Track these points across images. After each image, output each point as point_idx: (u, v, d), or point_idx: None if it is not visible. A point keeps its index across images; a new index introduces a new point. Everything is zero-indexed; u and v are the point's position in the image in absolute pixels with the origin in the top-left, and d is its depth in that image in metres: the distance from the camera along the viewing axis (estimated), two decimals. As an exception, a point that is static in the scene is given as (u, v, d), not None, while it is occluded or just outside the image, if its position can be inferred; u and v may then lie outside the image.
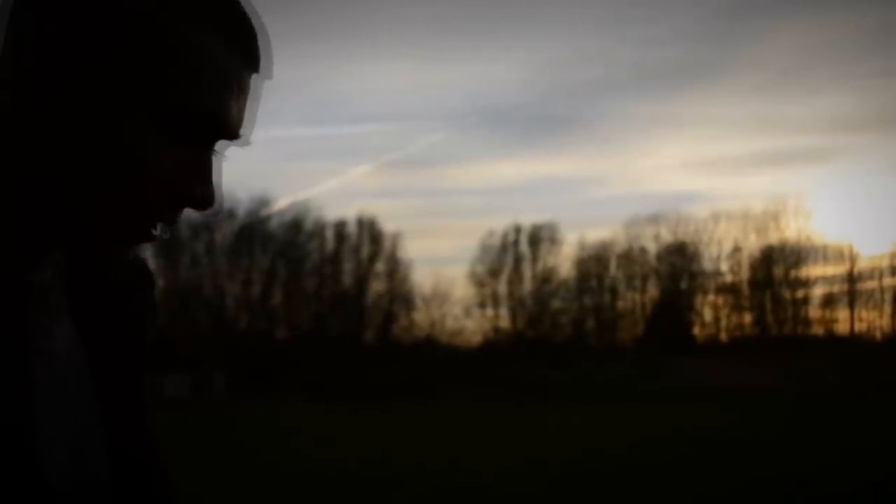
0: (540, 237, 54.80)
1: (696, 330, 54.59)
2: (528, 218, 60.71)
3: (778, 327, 52.14)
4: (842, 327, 52.05)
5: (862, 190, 76.33)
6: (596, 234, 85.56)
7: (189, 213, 0.89)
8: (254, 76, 0.88)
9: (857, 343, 49.20)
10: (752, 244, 53.92)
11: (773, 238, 53.77)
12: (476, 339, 52.73)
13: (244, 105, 0.87)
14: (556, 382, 34.95)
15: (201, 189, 0.85)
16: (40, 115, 0.82)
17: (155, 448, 1.00)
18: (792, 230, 54.19)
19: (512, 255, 54.84)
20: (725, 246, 54.21)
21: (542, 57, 70.31)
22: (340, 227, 51.54)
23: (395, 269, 51.55)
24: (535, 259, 54.91)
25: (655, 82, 71.12)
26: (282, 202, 72.08)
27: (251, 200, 49.52)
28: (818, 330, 52.48)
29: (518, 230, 54.84)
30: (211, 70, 0.83)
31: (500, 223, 70.87)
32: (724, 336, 53.74)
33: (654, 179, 72.94)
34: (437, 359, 41.39)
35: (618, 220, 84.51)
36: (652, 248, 55.14)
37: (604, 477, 12.04)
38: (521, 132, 72.99)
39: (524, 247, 54.90)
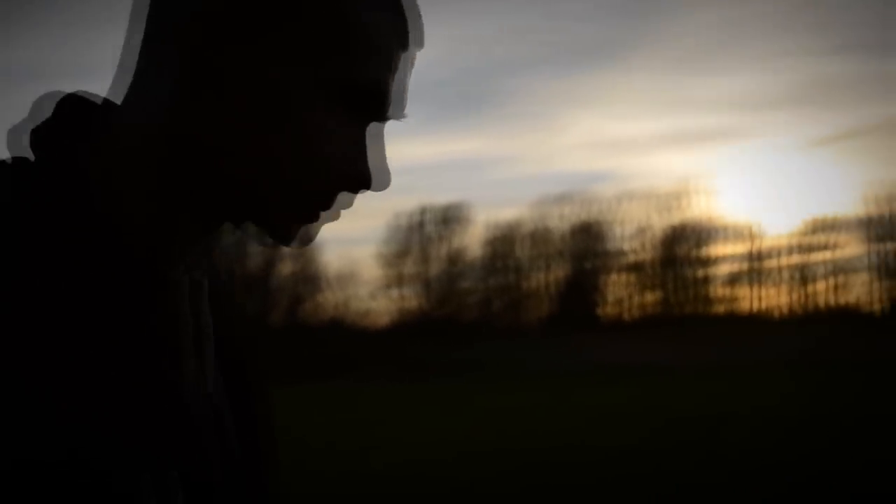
0: (449, 218, 54.84)
1: (603, 309, 55.24)
2: (438, 198, 60.76)
3: (682, 306, 52.99)
4: (745, 305, 53.13)
5: (770, 169, 77.93)
6: (506, 214, 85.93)
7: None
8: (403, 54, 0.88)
9: (758, 321, 50.26)
10: (659, 223, 54.72)
11: (679, 217, 54.61)
12: (384, 320, 52.76)
13: (394, 83, 0.87)
14: (461, 361, 35.09)
15: (363, 167, 0.85)
16: (208, 94, 0.81)
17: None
18: (698, 209, 55.19)
19: (420, 236, 54.90)
20: (632, 226, 54.93)
21: (452, 35, 70.27)
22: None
23: (303, 251, 51.10)
24: (443, 240, 55.01)
25: (565, 60, 71.67)
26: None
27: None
28: (721, 308, 53.51)
29: (426, 211, 54.86)
30: (377, 47, 0.83)
31: (409, 204, 70.92)
32: (630, 315, 54.46)
33: (565, 159, 73.74)
34: (344, 340, 41.24)
35: (528, 199, 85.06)
36: (560, 227, 55.61)
37: (503, 455, 12.14)
38: (430, 111, 72.90)
39: (433, 227, 54.98)
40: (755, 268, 53.52)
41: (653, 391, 22.12)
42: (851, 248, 60.74)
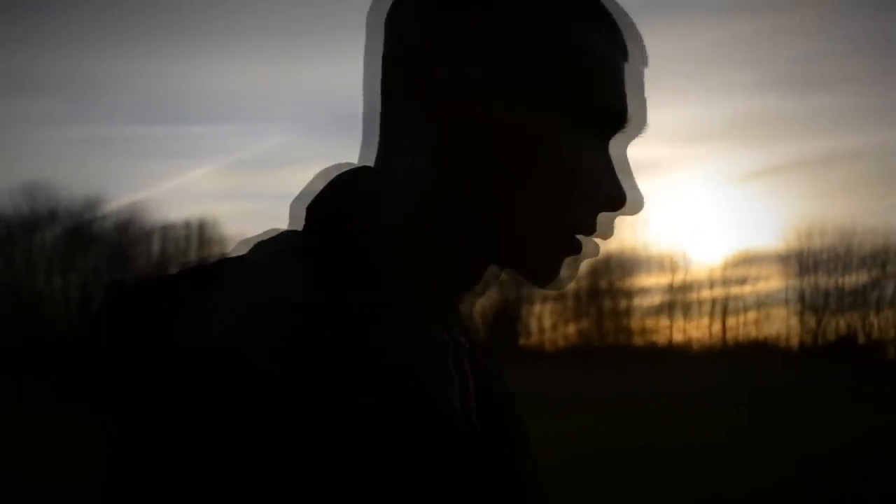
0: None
1: (526, 339, 55.39)
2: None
3: (604, 337, 53.32)
4: (667, 337, 53.60)
5: (695, 201, 78.90)
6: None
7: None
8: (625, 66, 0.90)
9: (679, 352, 50.72)
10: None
11: (604, 248, 54.82)
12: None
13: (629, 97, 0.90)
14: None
15: (616, 188, 0.88)
16: (465, 149, 0.84)
17: None
18: (624, 240, 55.62)
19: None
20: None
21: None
22: (174, 229, 50.38)
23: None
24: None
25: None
26: (115, 203, 70.14)
27: (82, 201, 47.89)
28: (643, 340, 53.93)
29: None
30: (609, 67, 0.87)
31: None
32: (551, 345, 54.66)
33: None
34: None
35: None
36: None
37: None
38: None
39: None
40: (678, 300, 54.09)
41: (566, 422, 22.15)
42: (772, 282, 61.69)
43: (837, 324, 51.89)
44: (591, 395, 29.82)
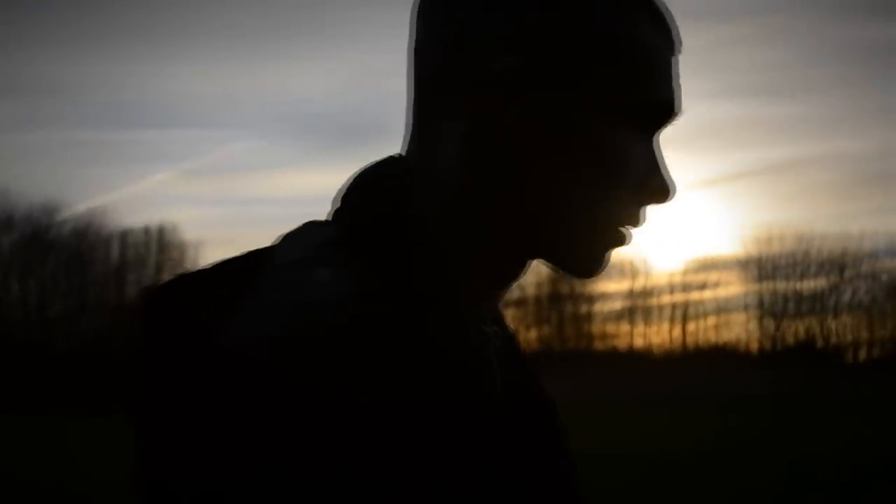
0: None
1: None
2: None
3: (565, 343, 53.46)
4: (631, 342, 53.83)
5: (657, 207, 79.09)
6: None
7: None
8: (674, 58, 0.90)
9: (640, 358, 50.93)
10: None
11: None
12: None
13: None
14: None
15: (663, 182, 0.87)
16: (507, 144, 0.83)
17: None
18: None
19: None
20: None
21: (353, 65, 70.36)
22: (132, 235, 50.01)
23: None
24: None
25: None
26: (73, 209, 69.36)
27: (40, 207, 47.33)
28: (606, 345, 54.12)
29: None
30: (657, 60, 0.86)
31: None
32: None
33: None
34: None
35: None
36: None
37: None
38: (330, 141, 72.78)
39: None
40: (639, 305, 54.34)
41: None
42: (732, 287, 62.12)
43: (797, 328, 52.36)
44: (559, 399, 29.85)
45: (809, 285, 52.47)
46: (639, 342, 53.50)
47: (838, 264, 51.51)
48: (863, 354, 52.02)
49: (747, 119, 68.22)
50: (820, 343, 51.98)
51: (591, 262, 0.88)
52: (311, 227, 0.87)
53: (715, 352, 51.42)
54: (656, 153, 0.89)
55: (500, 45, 0.84)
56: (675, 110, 0.88)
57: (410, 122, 0.90)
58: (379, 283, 0.79)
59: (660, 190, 0.88)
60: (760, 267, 53.03)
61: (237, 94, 70.48)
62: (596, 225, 0.86)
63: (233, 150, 69.88)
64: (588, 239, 0.86)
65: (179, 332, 0.78)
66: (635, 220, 0.88)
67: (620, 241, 0.88)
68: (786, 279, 52.61)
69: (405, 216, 0.85)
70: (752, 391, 32.36)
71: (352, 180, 0.89)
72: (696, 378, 36.94)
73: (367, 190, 0.88)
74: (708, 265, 55.05)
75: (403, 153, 0.91)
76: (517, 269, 0.91)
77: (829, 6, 70.15)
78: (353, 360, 0.72)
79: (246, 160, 69.18)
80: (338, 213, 0.88)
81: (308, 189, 70.77)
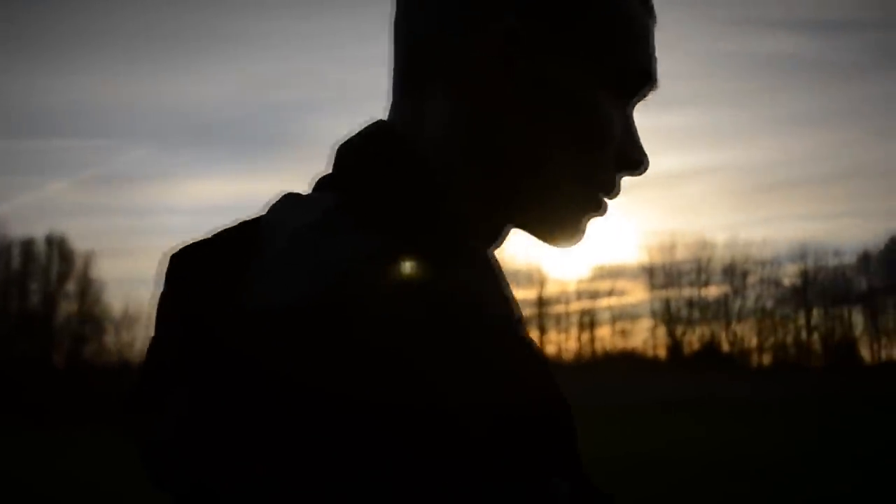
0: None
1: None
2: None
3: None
4: (542, 348, 54.11)
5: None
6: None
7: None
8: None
9: (553, 364, 51.24)
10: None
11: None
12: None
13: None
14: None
15: (640, 151, 0.88)
16: (496, 105, 0.83)
17: None
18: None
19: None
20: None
21: (251, 75, 69.83)
22: (28, 245, 48.81)
23: (87, 290, 48.96)
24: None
25: (360, 103, 72.05)
26: (-32, 218, 67.34)
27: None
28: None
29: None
30: (642, 31, 0.87)
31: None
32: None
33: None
34: (130, 382, 39.89)
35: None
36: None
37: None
38: (228, 150, 72.16)
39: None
40: (542, 313, 54.83)
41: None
42: (636, 294, 63.02)
43: (702, 333, 53.34)
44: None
45: (712, 291, 53.54)
46: (548, 349, 53.93)
47: (740, 270, 52.68)
48: (767, 359, 53.23)
49: (647, 128, 69.09)
50: (726, 347, 53.04)
51: (571, 227, 0.88)
52: (305, 197, 0.84)
53: (623, 358, 52.15)
54: (633, 124, 0.90)
55: (492, 8, 0.83)
56: (656, 79, 0.89)
57: (396, 86, 0.89)
58: (403, 241, 0.74)
59: (637, 159, 0.88)
60: (665, 273, 53.96)
61: (134, 103, 69.55)
62: (577, 187, 0.86)
63: (128, 158, 68.95)
64: (569, 200, 0.86)
65: (206, 297, 0.74)
66: (612, 187, 0.88)
67: (599, 207, 0.88)
68: (689, 285, 53.61)
69: (413, 176, 0.83)
70: (663, 396, 32.80)
71: (341, 147, 0.86)
72: (607, 384, 37.31)
73: (363, 155, 0.85)
74: (613, 272, 55.82)
75: (387, 119, 0.89)
76: (497, 234, 0.89)
77: (725, 18, 71.77)
78: (401, 315, 0.68)
79: (144, 169, 68.32)
80: (334, 180, 0.85)
81: (204, 198, 70.18)
